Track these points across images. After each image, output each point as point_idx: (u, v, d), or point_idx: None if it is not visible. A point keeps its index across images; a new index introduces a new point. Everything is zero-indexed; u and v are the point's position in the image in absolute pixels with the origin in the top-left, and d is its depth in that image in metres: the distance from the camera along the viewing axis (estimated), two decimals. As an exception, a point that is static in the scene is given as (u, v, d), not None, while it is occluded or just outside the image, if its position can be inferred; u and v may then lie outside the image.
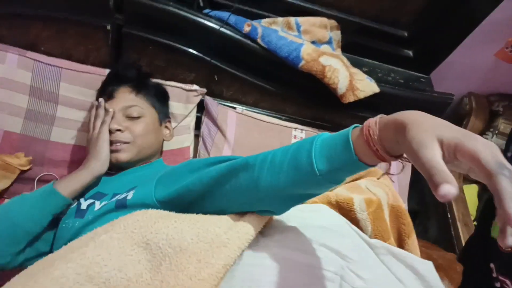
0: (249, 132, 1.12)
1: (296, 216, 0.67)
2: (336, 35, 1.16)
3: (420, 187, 1.36)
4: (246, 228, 0.55)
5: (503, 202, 0.31)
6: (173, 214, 0.56)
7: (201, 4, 1.04)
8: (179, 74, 1.08)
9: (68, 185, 0.73)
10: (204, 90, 1.09)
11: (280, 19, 1.10)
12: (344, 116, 1.22)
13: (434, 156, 0.35)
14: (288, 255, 0.54)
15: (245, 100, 1.17)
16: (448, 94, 1.23)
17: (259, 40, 1.01)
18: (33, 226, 0.68)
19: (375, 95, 1.11)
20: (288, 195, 0.53)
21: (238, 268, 0.52)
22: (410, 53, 1.23)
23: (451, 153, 0.35)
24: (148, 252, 0.49)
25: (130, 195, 0.66)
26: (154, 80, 1.01)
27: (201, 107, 1.12)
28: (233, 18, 1.00)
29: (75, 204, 0.74)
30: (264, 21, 1.09)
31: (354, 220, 0.78)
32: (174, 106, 1.05)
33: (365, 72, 1.17)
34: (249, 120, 1.13)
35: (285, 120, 1.19)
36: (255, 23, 1.03)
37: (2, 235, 0.66)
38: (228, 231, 0.53)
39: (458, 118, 1.55)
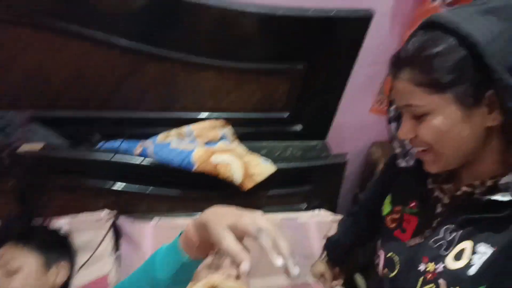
0: (168, 240, 1.17)
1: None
2: (228, 131, 1.29)
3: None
4: None
5: (268, 253, 0.45)
6: None
7: (95, 139, 1.15)
8: (89, 204, 1.15)
9: None
10: (114, 212, 1.15)
11: (173, 131, 1.22)
12: (256, 197, 1.32)
13: (229, 243, 0.46)
14: None
15: (161, 208, 1.24)
16: (340, 154, 1.37)
17: (151, 157, 1.12)
18: None
19: (276, 173, 1.22)
20: None
21: None
22: (299, 127, 1.38)
23: (239, 232, 0.47)
24: None
25: None
26: (65, 217, 1.08)
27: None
28: (124, 145, 1.12)
29: None
30: (159, 136, 1.21)
31: None
32: (87, 235, 1.09)
33: (264, 154, 1.29)
34: (165, 228, 1.19)
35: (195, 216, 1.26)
36: (147, 142, 1.14)
37: None
38: None
39: (372, 166, 1.69)
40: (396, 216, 0.73)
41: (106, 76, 1.08)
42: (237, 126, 1.31)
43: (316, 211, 1.38)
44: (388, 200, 0.77)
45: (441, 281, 0.60)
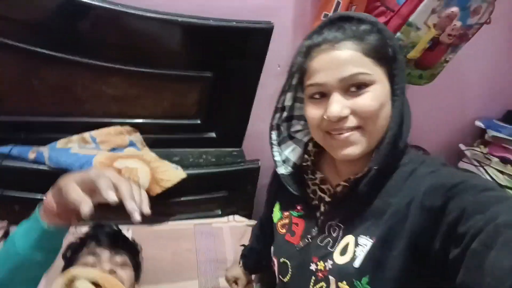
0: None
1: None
2: (136, 137, 1.27)
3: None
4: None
5: (103, 193, 0.50)
6: None
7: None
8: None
9: None
10: (5, 222, 1.07)
11: (74, 137, 1.18)
12: (169, 203, 1.30)
13: (74, 194, 0.52)
14: None
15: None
16: (254, 160, 1.40)
17: (47, 162, 1.06)
18: None
19: (189, 179, 1.22)
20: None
21: None
22: (214, 134, 1.40)
23: (84, 185, 0.53)
24: None
25: None
26: None
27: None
28: (16, 150, 1.05)
29: None
30: (60, 142, 1.16)
31: None
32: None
33: (176, 161, 1.29)
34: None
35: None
36: (41, 148, 1.09)
37: None
38: None
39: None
40: (286, 221, 0.75)
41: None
42: (148, 133, 1.29)
43: (231, 217, 1.39)
44: (277, 207, 0.79)
45: (331, 278, 0.62)
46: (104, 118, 1.23)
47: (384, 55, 0.58)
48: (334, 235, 0.64)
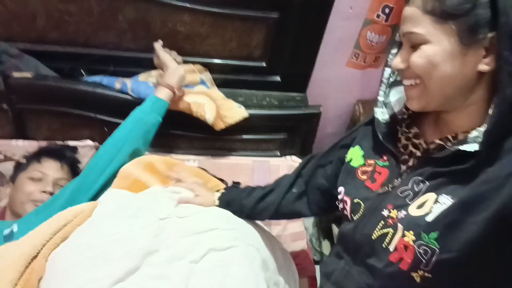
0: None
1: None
2: (206, 76, 1.36)
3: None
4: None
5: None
6: None
7: (83, 73, 1.26)
8: (75, 133, 1.28)
9: None
10: (97, 144, 1.27)
11: (153, 71, 1.31)
12: (231, 140, 1.40)
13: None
14: None
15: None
16: (316, 106, 1.42)
17: (129, 92, 1.21)
18: None
19: (251, 119, 1.30)
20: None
21: None
22: (278, 78, 1.43)
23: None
24: None
25: None
26: (57, 142, 1.22)
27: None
28: (105, 80, 1.22)
29: None
30: (141, 76, 1.30)
31: None
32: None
33: (241, 101, 1.37)
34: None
35: (179, 154, 1.37)
36: (126, 79, 1.24)
37: None
38: None
39: (354, 122, 1.73)
40: (368, 168, 0.74)
41: (86, 16, 1.16)
42: (215, 73, 1.37)
43: (288, 157, 1.45)
44: (357, 153, 0.77)
45: (399, 225, 0.62)
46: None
47: (459, 12, 0.53)
48: (417, 189, 0.63)
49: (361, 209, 0.71)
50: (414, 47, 0.58)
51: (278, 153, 1.48)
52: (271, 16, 1.23)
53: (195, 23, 1.22)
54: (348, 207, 0.75)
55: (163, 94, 1.11)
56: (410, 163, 0.68)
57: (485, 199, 0.54)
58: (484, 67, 0.55)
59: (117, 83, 1.22)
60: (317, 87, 1.52)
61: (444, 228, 0.57)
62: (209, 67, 1.36)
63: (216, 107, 1.26)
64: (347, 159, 0.80)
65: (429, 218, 0.59)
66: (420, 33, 0.56)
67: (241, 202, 0.94)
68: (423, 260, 0.59)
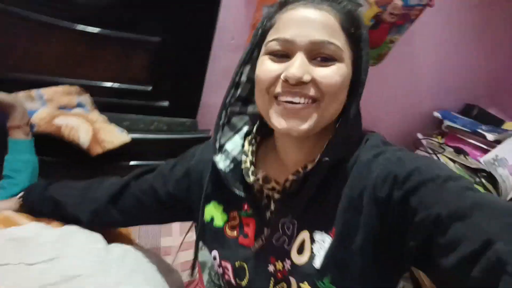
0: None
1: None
2: (85, 98, 1.29)
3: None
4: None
5: None
6: None
7: None
8: None
9: None
10: None
11: (21, 93, 1.19)
12: (116, 166, 1.32)
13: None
14: None
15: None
16: (206, 130, 1.43)
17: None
18: None
19: (136, 144, 1.24)
20: None
21: None
22: (166, 103, 1.42)
23: None
24: None
25: None
26: None
27: None
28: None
29: None
30: (6, 98, 1.17)
31: None
32: None
33: (126, 126, 1.30)
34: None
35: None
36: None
37: None
38: None
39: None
40: (235, 222, 0.68)
41: None
42: (97, 95, 1.31)
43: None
44: (217, 209, 0.70)
45: (291, 279, 0.59)
46: (54, 77, 1.25)
47: (355, 36, 0.55)
48: (289, 232, 0.60)
49: (246, 272, 0.66)
50: (321, 61, 0.52)
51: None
52: (152, 40, 1.23)
53: (70, 43, 1.16)
54: (230, 273, 0.68)
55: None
56: (272, 207, 0.64)
57: (353, 226, 0.53)
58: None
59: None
60: (208, 112, 1.54)
61: (335, 270, 0.55)
62: (90, 90, 1.29)
63: (93, 130, 1.18)
64: (206, 219, 0.71)
65: (316, 264, 0.56)
66: (339, 47, 0.53)
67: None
68: None
